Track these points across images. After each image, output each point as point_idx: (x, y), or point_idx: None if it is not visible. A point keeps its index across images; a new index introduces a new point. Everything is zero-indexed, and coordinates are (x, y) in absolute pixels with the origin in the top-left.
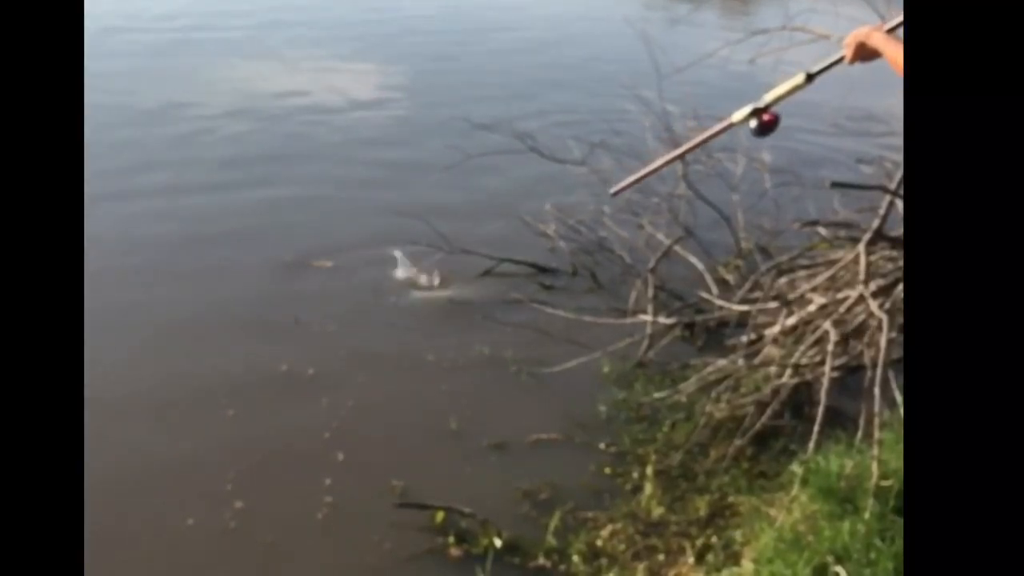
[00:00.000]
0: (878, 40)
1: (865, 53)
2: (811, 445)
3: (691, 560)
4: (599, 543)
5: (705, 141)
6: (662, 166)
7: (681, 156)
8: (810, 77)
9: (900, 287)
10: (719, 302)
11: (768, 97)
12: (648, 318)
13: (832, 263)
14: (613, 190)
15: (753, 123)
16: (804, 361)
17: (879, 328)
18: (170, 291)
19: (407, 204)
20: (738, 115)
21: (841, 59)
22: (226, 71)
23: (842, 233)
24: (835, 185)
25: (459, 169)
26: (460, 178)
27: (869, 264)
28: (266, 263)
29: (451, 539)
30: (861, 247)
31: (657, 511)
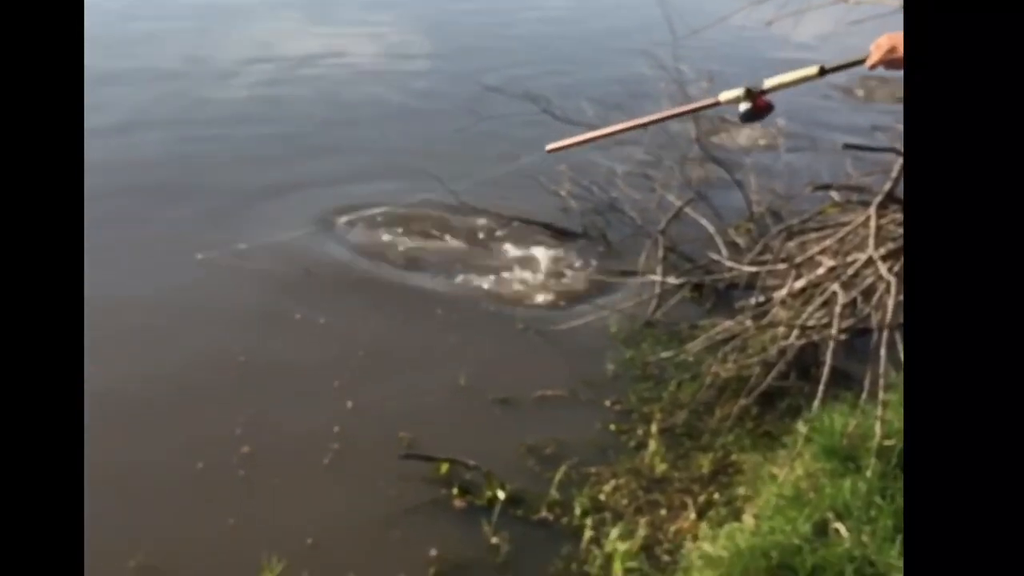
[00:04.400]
0: None
1: (895, 60)
2: (816, 404)
3: (693, 516)
4: (602, 497)
5: (677, 115)
6: (614, 132)
7: (644, 126)
8: (823, 71)
9: None
10: (729, 263)
11: (770, 82)
12: (657, 278)
13: (842, 226)
14: (550, 147)
15: (745, 106)
16: (811, 323)
17: (887, 291)
18: (179, 243)
19: (420, 164)
20: (728, 94)
21: (862, 60)
22: (250, 37)
23: (854, 197)
24: (847, 147)
25: (473, 130)
26: (474, 139)
27: (879, 227)
28: (284, 218)
29: (455, 491)
30: (872, 210)
31: (661, 468)
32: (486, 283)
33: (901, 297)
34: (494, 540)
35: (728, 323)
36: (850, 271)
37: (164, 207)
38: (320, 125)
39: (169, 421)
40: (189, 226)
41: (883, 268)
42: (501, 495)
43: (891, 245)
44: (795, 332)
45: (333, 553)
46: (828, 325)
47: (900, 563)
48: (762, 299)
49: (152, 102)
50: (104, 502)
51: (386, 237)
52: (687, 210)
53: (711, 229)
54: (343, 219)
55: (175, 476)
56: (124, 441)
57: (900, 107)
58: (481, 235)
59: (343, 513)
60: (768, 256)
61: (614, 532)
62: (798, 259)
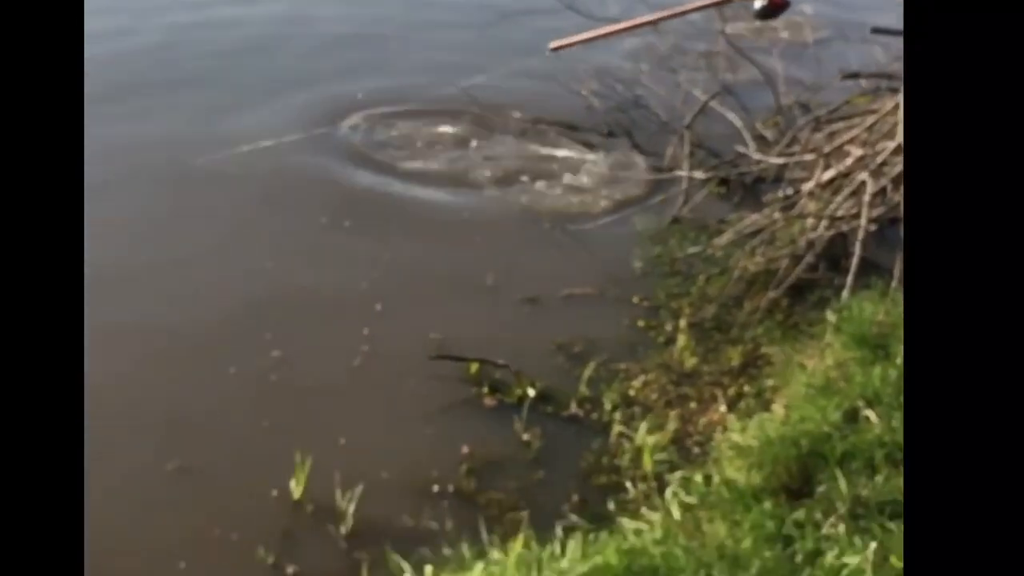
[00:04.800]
0: None
1: None
2: (845, 293)
3: (723, 408)
4: (632, 392)
5: (689, 12)
6: (622, 30)
7: (654, 23)
8: None
9: None
10: (756, 156)
11: None
12: (684, 174)
13: (871, 114)
14: (553, 45)
15: (760, 2)
16: (840, 213)
17: None
18: (203, 145)
19: (439, 64)
20: None
21: None
22: None
23: (883, 84)
24: (875, 31)
25: (492, 28)
26: (492, 37)
27: None
28: (305, 119)
29: (485, 389)
30: (901, 96)
31: (690, 362)
32: (510, 184)
33: None
34: (525, 436)
35: (756, 216)
36: (879, 159)
37: (167, 112)
38: (332, 28)
39: (199, 329)
40: (195, 132)
41: None
42: (531, 392)
43: None
44: (824, 223)
45: (365, 452)
46: (857, 215)
47: None
48: (790, 191)
49: (155, 11)
50: (141, 408)
51: (407, 138)
52: (713, 104)
53: (738, 123)
54: (359, 117)
55: (208, 382)
56: (157, 353)
57: None
58: (504, 136)
59: (374, 413)
60: (796, 148)
61: (644, 426)
62: (826, 149)
